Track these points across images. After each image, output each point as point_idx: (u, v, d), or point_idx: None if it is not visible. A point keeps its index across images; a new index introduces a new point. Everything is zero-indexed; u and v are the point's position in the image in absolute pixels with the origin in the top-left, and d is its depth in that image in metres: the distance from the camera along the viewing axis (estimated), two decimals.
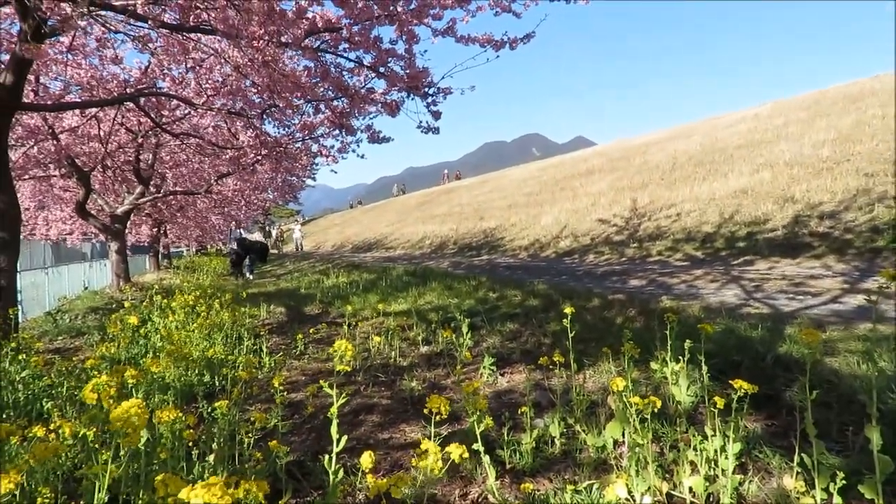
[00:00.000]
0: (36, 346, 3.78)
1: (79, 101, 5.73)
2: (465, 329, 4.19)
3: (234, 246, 15.29)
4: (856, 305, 4.03)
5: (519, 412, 2.88)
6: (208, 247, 36.09)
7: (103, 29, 6.03)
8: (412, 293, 7.45)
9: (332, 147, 7.66)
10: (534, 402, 2.95)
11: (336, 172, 9.36)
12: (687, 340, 2.55)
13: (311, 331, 5.24)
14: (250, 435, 2.29)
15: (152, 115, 6.25)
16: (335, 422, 1.78)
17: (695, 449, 2.04)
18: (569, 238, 11.89)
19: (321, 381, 1.91)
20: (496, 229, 16.05)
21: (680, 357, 2.68)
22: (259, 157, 7.32)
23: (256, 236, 15.98)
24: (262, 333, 6.12)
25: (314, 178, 9.22)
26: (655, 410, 1.88)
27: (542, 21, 5.00)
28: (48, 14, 4.25)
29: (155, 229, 16.19)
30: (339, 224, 43.32)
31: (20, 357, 3.37)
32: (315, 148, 7.73)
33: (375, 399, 3.30)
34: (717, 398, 1.89)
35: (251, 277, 15.07)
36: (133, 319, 3.32)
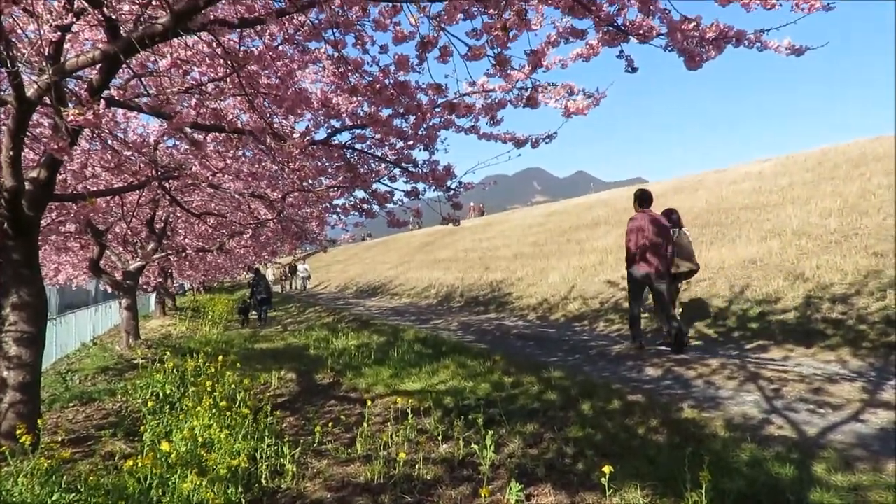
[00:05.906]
0: (59, 454, 3.78)
1: (104, 189, 5.84)
2: (488, 442, 4.20)
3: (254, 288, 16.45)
4: (878, 427, 4.06)
5: None
6: (215, 283, 36.23)
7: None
8: (425, 369, 7.46)
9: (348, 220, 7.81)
10: None
11: (350, 238, 9.47)
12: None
13: (329, 423, 5.24)
14: None
15: (176, 197, 6.37)
16: None
17: None
18: (577, 300, 11.93)
19: None
20: (503, 282, 16.10)
21: None
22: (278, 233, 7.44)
23: (269, 275, 17.29)
24: (276, 415, 6.11)
25: (327, 243, 9.33)
26: None
27: (563, 124, 5.13)
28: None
29: (161, 278, 16.28)
30: (343, 261, 43.41)
31: (52, 479, 3.40)
32: (333, 220, 7.87)
33: None
34: None
35: (265, 321, 16.82)
36: (165, 446, 3.34)
